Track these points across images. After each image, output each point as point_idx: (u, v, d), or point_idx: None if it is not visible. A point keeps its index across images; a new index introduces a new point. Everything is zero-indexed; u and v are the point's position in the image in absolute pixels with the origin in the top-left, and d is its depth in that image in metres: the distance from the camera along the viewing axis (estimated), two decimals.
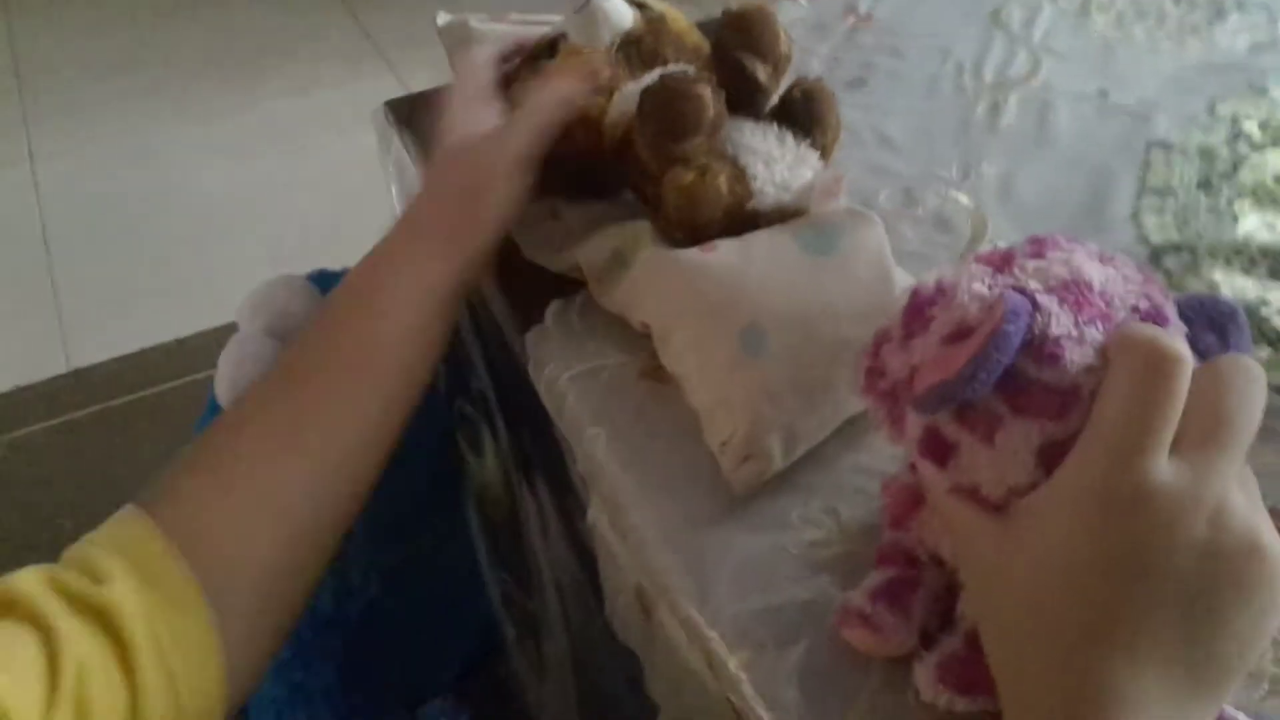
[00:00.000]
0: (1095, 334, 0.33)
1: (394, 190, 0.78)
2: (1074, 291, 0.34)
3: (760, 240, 0.53)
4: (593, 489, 0.54)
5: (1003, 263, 0.36)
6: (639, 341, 0.56)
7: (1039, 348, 0.33)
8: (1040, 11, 0.83)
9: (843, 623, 0.43)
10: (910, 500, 0.44)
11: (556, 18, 0.68)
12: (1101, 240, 0.61)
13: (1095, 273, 0.35)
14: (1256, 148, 0.68)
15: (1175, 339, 0.32)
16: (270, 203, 1.93)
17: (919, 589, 0.42)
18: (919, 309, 0.37)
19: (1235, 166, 0.67)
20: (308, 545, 0.50)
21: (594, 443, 0.53)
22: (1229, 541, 0.31)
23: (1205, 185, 0.65)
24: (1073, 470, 0.33)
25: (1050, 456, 0.33)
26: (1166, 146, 0.69)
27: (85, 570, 0.40)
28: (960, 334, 0.34)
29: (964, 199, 0.65)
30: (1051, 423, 0.33)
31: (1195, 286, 0.59)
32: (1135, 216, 0.63)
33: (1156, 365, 0.31)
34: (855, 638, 0.42)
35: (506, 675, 0.93)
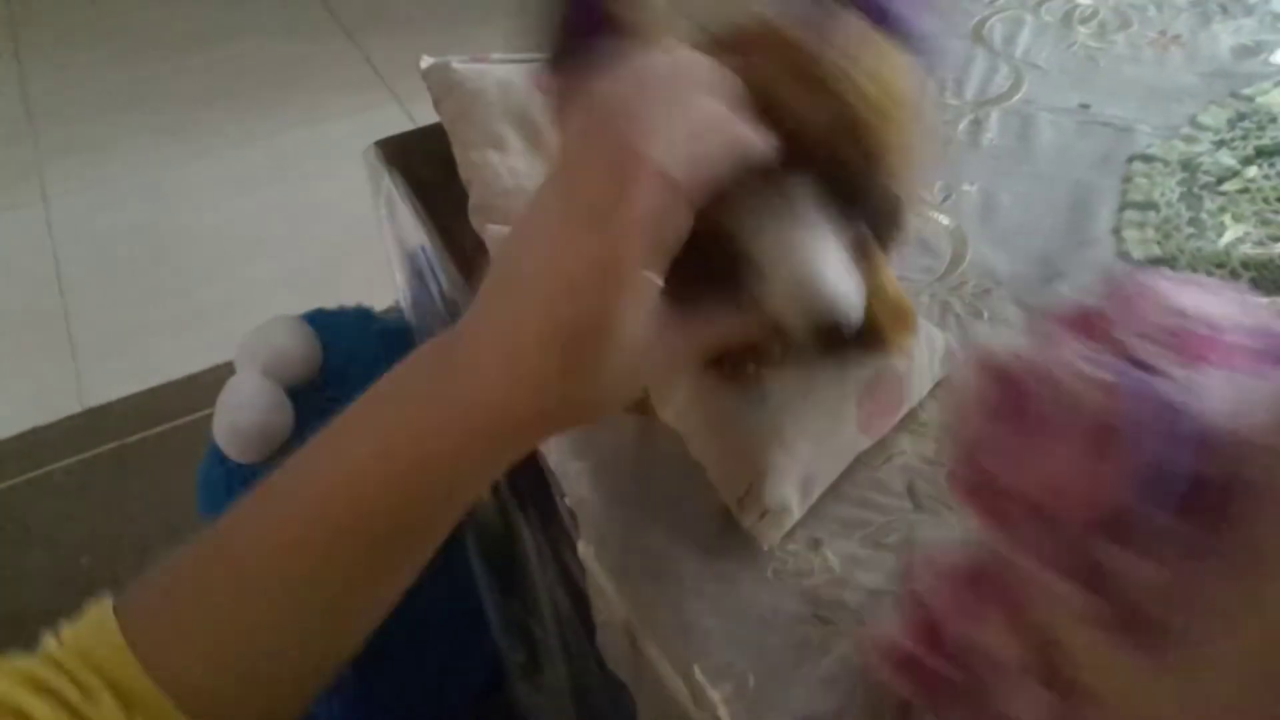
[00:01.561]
0: (1244, 381, 0.28)
1: (386, 232, 0.79)
2: (1191, 341, 0.28)
3: None
4: (581, 522, 0.54)
5: (1092, 325, 0.30)
6: None
7: (1185, 435, 0.27)
8: (1022, 26, 0.83)
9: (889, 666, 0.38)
10: (976, 586, 0.35)
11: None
12: (1083, 256, 0.62)
13: (1201, 305, 0.29)
14: (1240, 159, 0.68)
15: None
16: (281, 236, 1.96)
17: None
18: (1011, 399, 0.30)
19: (1219, 179, 0.66)
20: (291, 669, 0.42)
21: (579, 477, 0.53)
22: None
23: (1187, 197, 0.65)
24: (1252, 607, 0.27)
25: (1221, 557, 0.27)
26: (1148, 159, 0.69)
27: (74, 682, 0.37)
28: (1083, 433, 0.28)
29: (944, 219, 0.65)
30: (1222, 521, 0.27)
31: None
32: (1117, 231, 0.63)
33: None
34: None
35: (513, 702, 0.94)
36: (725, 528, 0.50)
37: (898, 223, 0.40)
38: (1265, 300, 0.32)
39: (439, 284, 0.73)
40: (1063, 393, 0.29)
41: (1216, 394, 0.27)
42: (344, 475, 0.39)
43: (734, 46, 0.38)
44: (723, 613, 0.47)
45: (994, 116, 0.74)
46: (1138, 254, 0.61)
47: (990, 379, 0.31)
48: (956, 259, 0.63)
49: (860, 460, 0.52)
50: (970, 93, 0.77)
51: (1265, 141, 0.68)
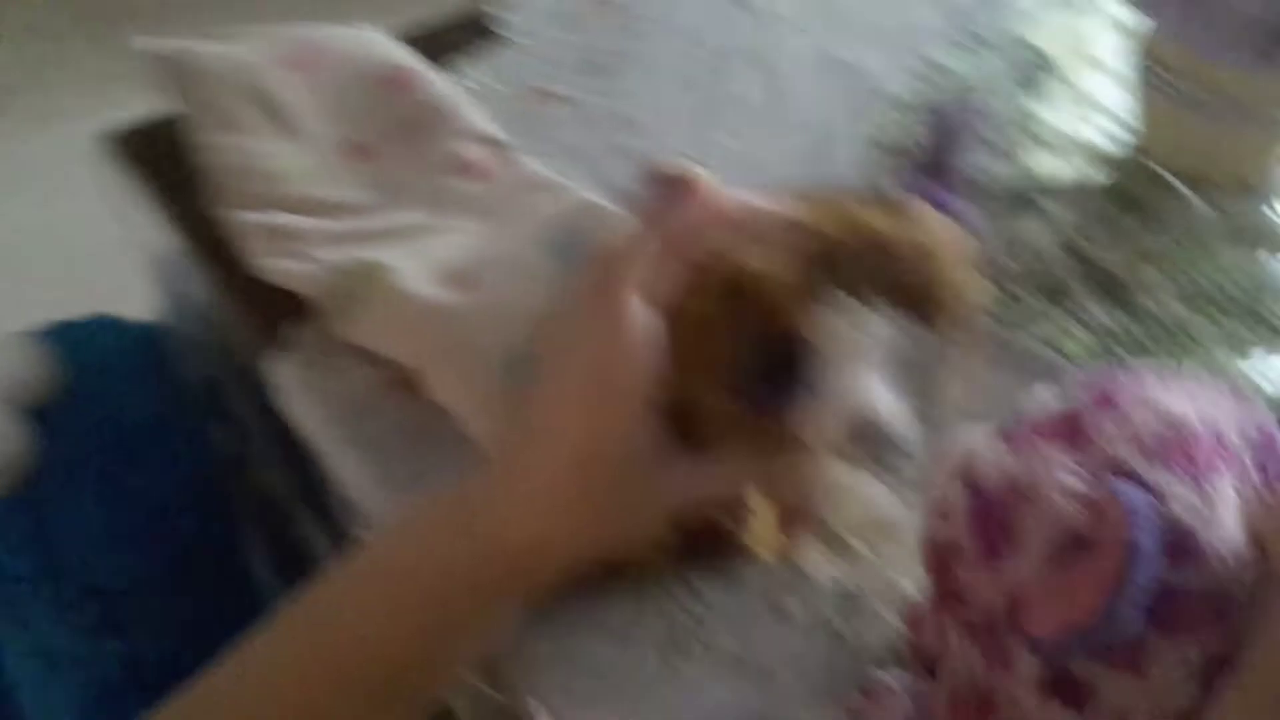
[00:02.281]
0: (1224, 489, 0.27)
1: (132, 232, 0.73)
2: (1178, 445, 0.27)
3: (508, 261, 0.53)
4: (354, 508, 0.53)
5: (1072, 430, 0.29)
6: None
7: (1171, 545, 0.26)
8: None
9: None
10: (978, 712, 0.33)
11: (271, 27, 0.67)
12: None
13: (1186, 405, 0.28)
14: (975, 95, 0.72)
15: None
16: (13, 247, 1.79)
17: None
18: (993, 516, 0.29)
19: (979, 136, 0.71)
20: None
21: (347, 460, 0.51)
22: None
23: (956, 154, 0.69)
24: (1256, 695, 0.26)
25: (1214, 672, 0.27)
26: (888, 100, 0.72)
27: None
28: (1068, 548, 0.27)
29: (703, 173, 0.67)
30: (1211, 634, 0.26)
31: None
32: (862, 169, 0.66)
33: None
34: None
35: None
36: None
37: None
38: (1245, 397, 0.30)
39: (193, 283, 0.69)
40: (1045, 509, 0.28)
41: (1183, 498, 0.26)
42: (352, 632, 0.38)
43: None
44: None
45: (744, 69, 0.76)
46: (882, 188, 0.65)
47: (971, 490, 0.30)
48: None
49: None
50: (725, 49, 0.78)
51: (992, 74, 0.73)
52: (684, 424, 0.37)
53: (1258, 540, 0.27)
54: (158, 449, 0.74)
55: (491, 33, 0.83)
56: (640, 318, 0.34)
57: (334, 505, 0.58)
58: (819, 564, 0.46)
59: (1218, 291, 0.57)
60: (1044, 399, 0.32)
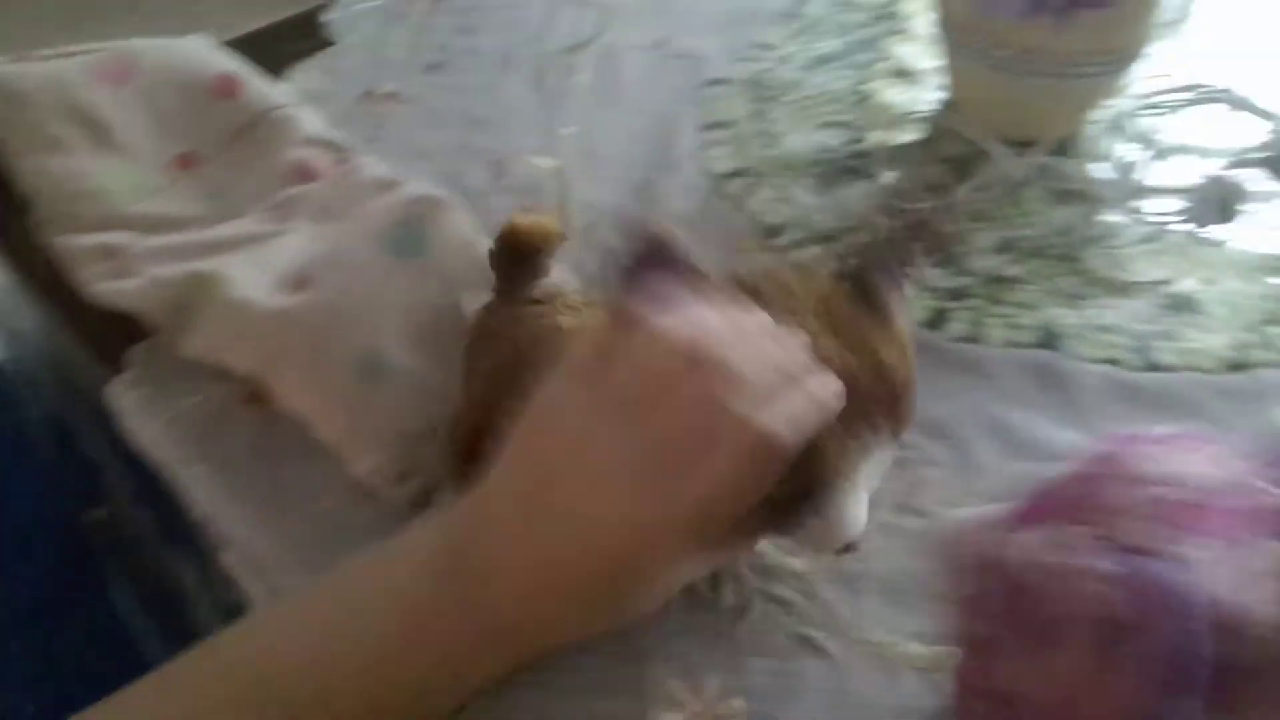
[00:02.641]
0: (1261, 556, 0.26)
1: None
2: (1209, 517, 0.26)
3: (345, 259, 0.52)
4: (214, 528, 0.52)
5: (1097, 507, 0.28)
6: None
7: (1217, 621, 0.25)
8: None
9: None
10: None
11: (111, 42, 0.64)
12: (673, 179, 0.66)
13: (1209, 472, 0.28)
14: (798, 69, 0.75)
15: None
16: None
17: None
18: (1031, 607, 0.28)
19: (782, 91, 0.73)
20: None
21: (198, 481, 0.50)
22: None
23: (756, 113, 0.71)
24: None
25: None
26: (721, 82, 0.74)
27: None
28: (1115, 637, 0.26)
29: (545, 162, 0.67)
30: (1268, 707, 0.26)
31: (755, 204, 0.64)
32: (700, 151, 0.68)
33: None
34: None
35: None
36: (370, 499, 0.49)
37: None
38: (1237, 454, 0.29)
39: (29, 316, 0.66)
40: (1081, 594, 0.26)
41: (1216, 568, 0.26)
42: (320, 683, 0.35)
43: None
44: None
45: (582, 61, 0.77)
46: (719, 168, 0.67)
47: (1002, 581, 0.29)
48: (564, 198, 0.65)
49: None
50: (560, 41, 0.79)
51: (819, 52, 0.76)
52: None
53: None
54: (5, 491, 0.71)
55: (325, 37, 0.82)
56: (740, 453, 0.32)
57: (197, 535, 0.56)
58: None
59: (1039, 245, 0.61)
60: (1044, 474, 0.31)
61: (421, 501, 0.49)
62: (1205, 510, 0.26)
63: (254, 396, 0.53)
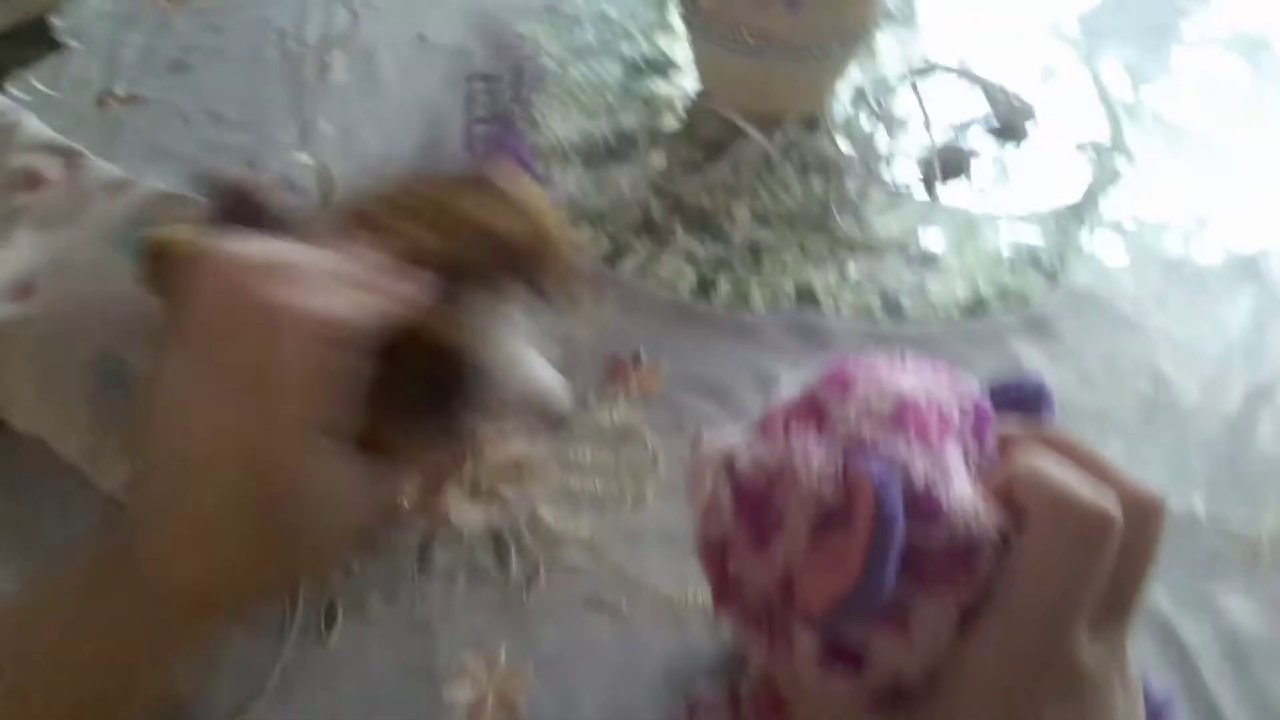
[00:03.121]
0: (954, 455, 0.29)
1: None
2: (910, 420, 0.29)
3: (78, 262, 0.48)
4: None
5: (816, 416, 0.31)
6: None
7: (916, 508, 0.28)
8: None
9: None
10: (777, 703, 0.35)
11: None
12: (440, 170, 0.66)
13: (912, 385, 0.30)
14: (559, 62, 0.76)
15: (1109, 499, 0.28)
16: None
17: None
18: (756, 505, 0.30)
19: (542, 81, 0.74)
20: None
21: None
22: (1136, 707, 0.30)
23: (520, 102, 0.72)
24: (995, 654, 0.28)
25: (967, 617, 0.29)
26: (486, 78, 0.74)
27: None
28: (827, 523, 0.29)
29: (306, 158, 0.65)
30: (963, 585, 0.28)
31: None
32: (467, 144, 0.67)
33: (1097, 535, 0.27)
34: None
35: None
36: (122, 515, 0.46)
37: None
38: (959, 374, 0.32)
39: None
40: (801, 489, 0.29)
41: (913, 464, 0.28)
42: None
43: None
44: None
45: (338, 56, 0.75)
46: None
47: (734, 484, 0.31)
48: (325, 196, 0.63)
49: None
50: (312, 37, 0.77)
51: (580, 44, 0.77)
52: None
53: (998, 494, 0.29)
54: None
55: (56, 40, 0.76)
56: (314, 355, 0.32)
57: None
58: (465, 513, 0.47)
59: (792, 214, 0.64)
60: (785, 390, 0.34)
61: None
62: (916, 419, 0.29)
63: None
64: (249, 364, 0.32)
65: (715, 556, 0.32)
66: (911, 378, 0.31)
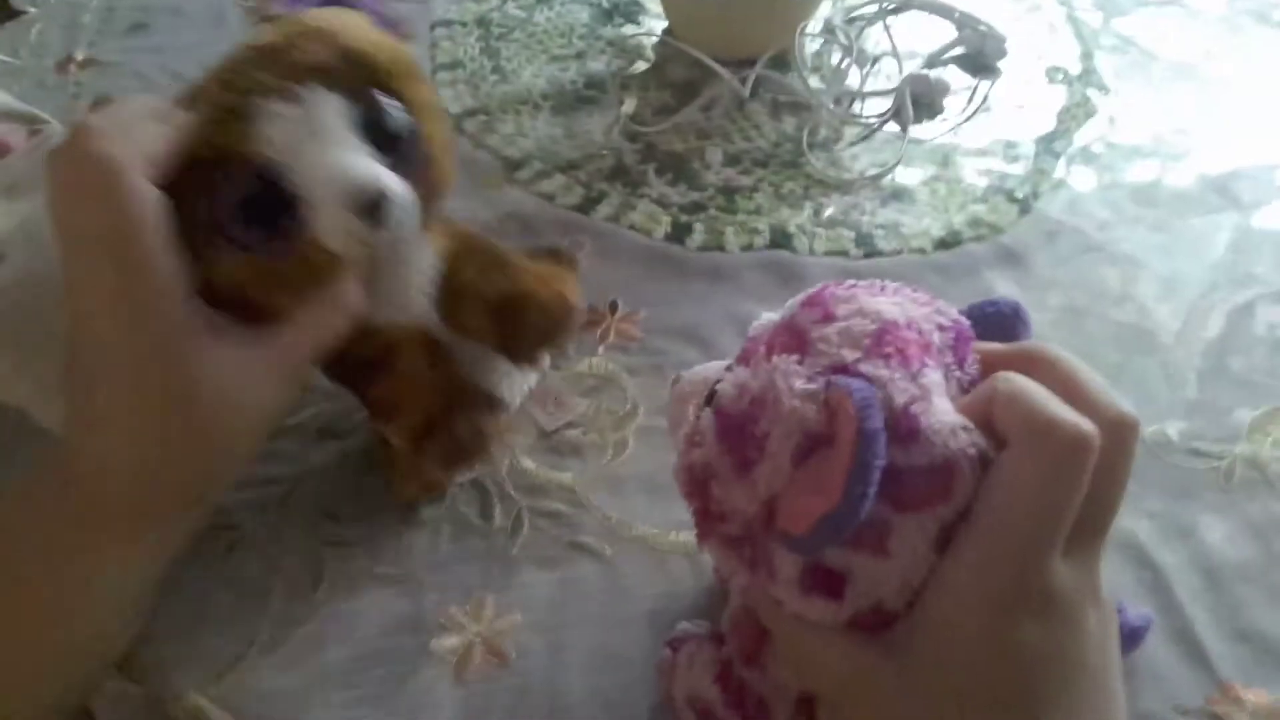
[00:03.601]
0: (933, 376, 0.29)
1: None
2: (889, 342, 0.29)
3: (36, 230, 0.47)
4: None
5: (797, 341, 0.30)
6: None
7: (896, 428, 0.27)
8: None
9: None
10: (758, 634, 0.35)
11: None
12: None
13: (890, 308, 0.30)
14: (525, 8, 0.75)
15: (1086, 420, 0.28)
16: None
17: None
18: (739, 430, 0.30)
19: (510, 29, 0.73)
20: None
21: None
22: (1110, 628, 0.30)
23: (487, 51, 0.71)
24: (973, 575, 0.28)
25: (946, 539, 0.29)
26: (448, 24, 0.73)
27: None
28: (809, 446, 0.28)
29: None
30: (942, 505, 0.28)
31: (495, 140, 0.64)
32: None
33: (1074, 456, 0.27)
34: None
35: None
36: None
37: (429, 161, 0.39)
38: (936, 298, 0.32)
39: None
40: (783, 413, 0.28)
41: (892, 385, 0.28)
42: None
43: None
44: None
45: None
46: (455, 108, 0.66)
47: (717, 411, 0.30)
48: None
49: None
50: None
51: None
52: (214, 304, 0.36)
53: (977, 415, 0.29)
54: None
55: (11, 7, 0.75)
56: (145, 194, 0.33)
57: None
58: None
59: (764, 154, 0.64)
60: (760, 322, 0.33)
61: None
62: (895, 342, 0.29)
63: None
64: (94, 232, 0.33)
65: (697, 485, 0.32)
66: (891, 300, 0.31)
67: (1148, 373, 0.52)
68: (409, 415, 0.43)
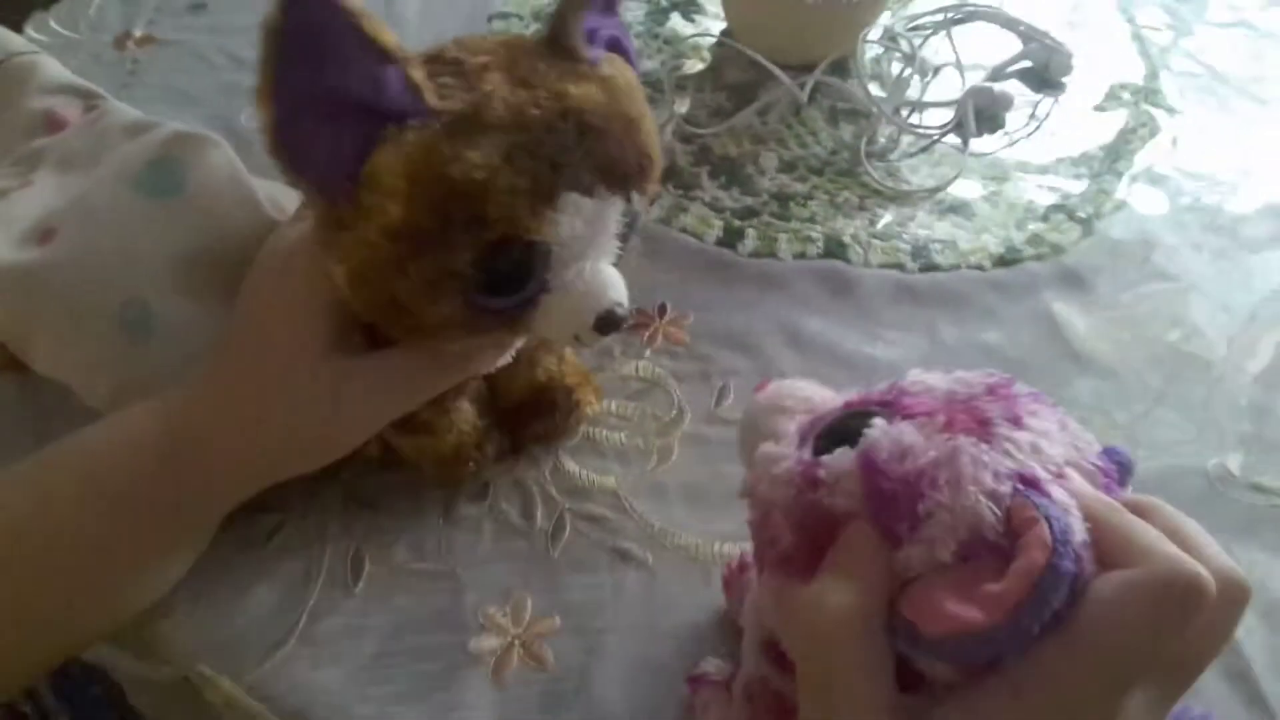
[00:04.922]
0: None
1: None
2: (1057, 470, 0.27)
3: (98, 206, 0.48)
4: None
5: (981, 430, 0.27)
6: None
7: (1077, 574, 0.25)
8: None
9: None
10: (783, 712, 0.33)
11: None
12: None
13: (1062, 438, 0.28)
14: None
15: (1207, 570, 0.25)
16: None
17: None
18: (892, 497, 0.27)
19: None
20: None
21: None
22: None
23: None
24: (1050, 693, 0.26)
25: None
26: (505, 16, 0.73)
27: None
28: (976, 549, 0.25)
29: None
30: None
31: None
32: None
33: (1187, 599, 0.25)
34: None
35: None
36: None
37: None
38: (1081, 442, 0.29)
39: None
40: (958, 504, 0.26)
41: (1079, 528, 0.25)
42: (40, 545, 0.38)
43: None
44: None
45: None
46: None
47: (868, 465, 0.27)
48: None
49: None
50: None
51: None
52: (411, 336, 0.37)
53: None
54: None
55: None
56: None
57: None
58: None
59: (821, 162, 0.63)
60: (920, 379, 0.30)
61: None
62: (1066, 472, 0.27)
63: (9, 363, 0.48)
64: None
65: (806, 527, 0.28)
66: (1056, 433, 0.28)
67: (1201, 401, 0.50)
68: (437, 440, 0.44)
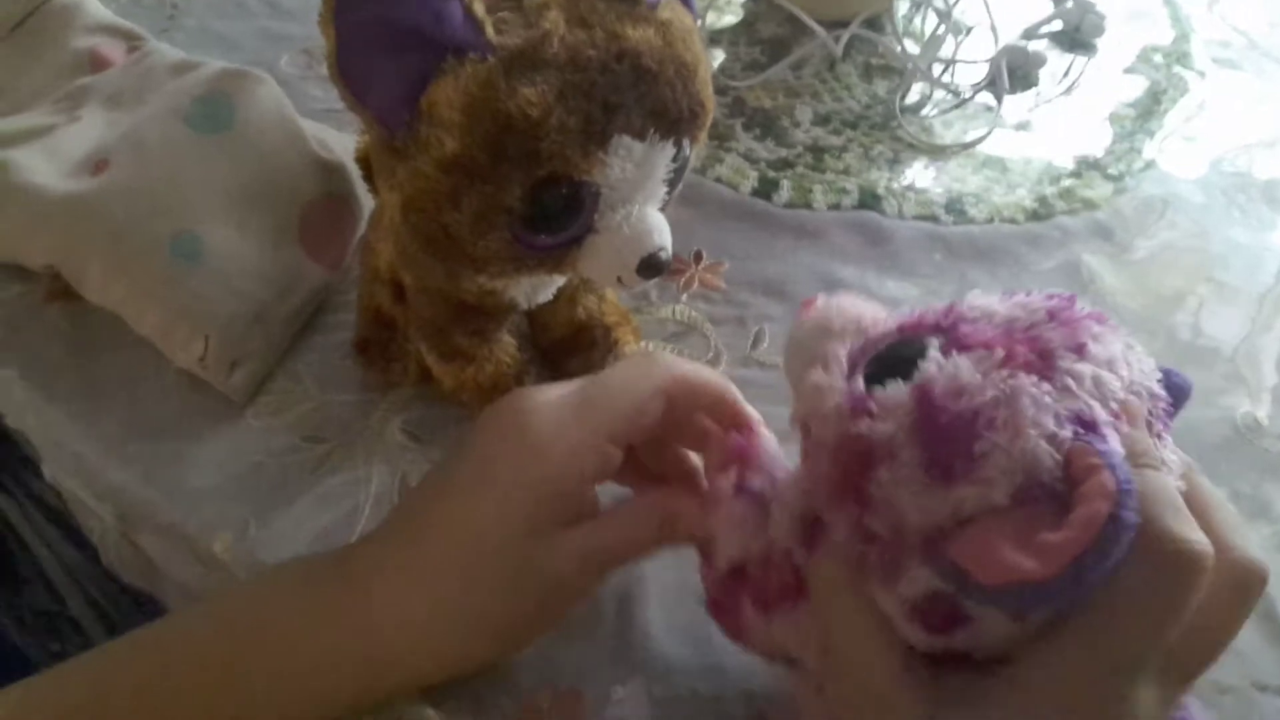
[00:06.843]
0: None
1: None
2: (1123, 415, 0.26)
3: (149, 139, 0.48)
4: (34, 439, 0.48)
5: (1043, 363, 0.26)
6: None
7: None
8: None
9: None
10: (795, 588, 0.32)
11: None
12: None
13: (1127, 368, 0.27)
14: None
15: (1204, 539, 0.25)
16: None
17: None
18: (948, 434, 0.25)
19: None
20: None
21: (8, 386, 0.47)
22: None
23: None
24: (1053, 677, 0.26)
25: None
26: None
27: None
28: (1032, 493, 0.24)
29: None
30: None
31: None
32: None
33: (1189, 580, 0.25)
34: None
35: None
36: (195, 389, 0.47)
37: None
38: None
39: None
40: (1016, 445, 0.25)
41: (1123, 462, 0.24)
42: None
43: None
44: (212, 470, 0.44)
45: None
46: None
47: (924, 399, 0.26)
48: None
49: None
50: None
51: None
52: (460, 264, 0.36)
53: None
54: None
55: None
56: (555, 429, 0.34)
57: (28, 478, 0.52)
58: None
59: (855, 116, 0.63)
60: (979, 303, 0.29)
61: (255, 389, 0.47)
62: (1129, 405, 0.26)
63: (61, 292, 0.49)
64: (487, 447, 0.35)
65: (853, 458, 0.27)
66: (1121, 348, 0.27)
67: (1230, 354, 0.51)
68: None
